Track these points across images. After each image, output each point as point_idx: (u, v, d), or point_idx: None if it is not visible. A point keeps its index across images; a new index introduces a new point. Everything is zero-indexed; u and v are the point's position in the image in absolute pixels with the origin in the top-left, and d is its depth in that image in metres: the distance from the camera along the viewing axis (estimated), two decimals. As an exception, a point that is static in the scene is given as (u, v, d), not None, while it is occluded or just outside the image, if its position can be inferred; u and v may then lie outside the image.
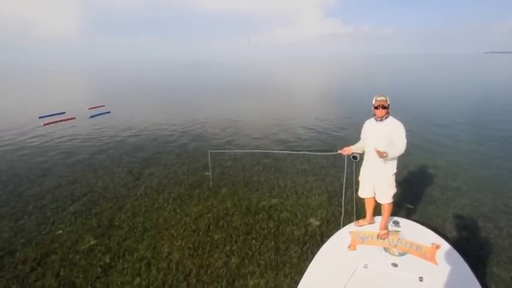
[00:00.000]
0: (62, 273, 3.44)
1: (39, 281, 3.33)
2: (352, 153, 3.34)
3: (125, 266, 3.54)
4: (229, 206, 4.92)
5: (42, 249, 3.87)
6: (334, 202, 4.97)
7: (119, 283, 3.29)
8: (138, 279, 3.34)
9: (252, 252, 3.76)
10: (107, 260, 3.64)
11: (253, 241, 3.97)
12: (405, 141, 3.02)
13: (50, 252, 3.82)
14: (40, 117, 11.98)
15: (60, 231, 4.36)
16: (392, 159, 3.09)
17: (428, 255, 2.78)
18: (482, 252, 3.68)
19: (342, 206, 3.86)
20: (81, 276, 3.40)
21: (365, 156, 3.34)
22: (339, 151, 3.48)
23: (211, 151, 6.20)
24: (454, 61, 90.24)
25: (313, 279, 2.60)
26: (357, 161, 3.35)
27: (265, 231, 4.20)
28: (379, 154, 3.00)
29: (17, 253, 3.80)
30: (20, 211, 4.85)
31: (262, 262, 3.57)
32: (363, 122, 3.40)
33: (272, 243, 3.92)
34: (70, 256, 3.73)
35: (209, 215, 4.64)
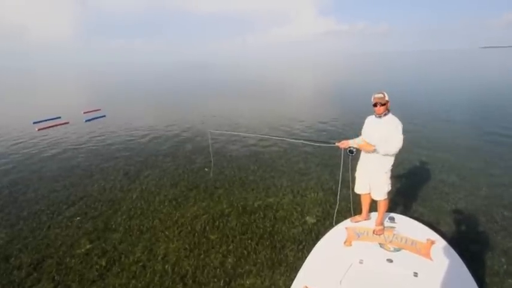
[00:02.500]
0: (57, 277, 3.43)
1: (35, 286, 3.32)
2: (349, 147, 3.35)
3: (121, 269, 3.54)
4: (225, 206, 4.92)
5: (38, 254, 3.86)
6: (330, 200, 4.97)
7: (115, 286, 3.29)
8: (133, 281, 3.34)
9: (248, 251, 3.76)
10: (103, 264, 3.63)
11: (249, 241, 3.98)
12: (400, 137, 2.99)
13: (46, 256, 3.80)
14: (34, 123, 11.91)
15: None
16: (385, 154, 3.08)
17: (423, 251, 2.80)
18: (477, 246, 3.70)
19: (337, 202, 3.87)
20: (77, 280, 3.39)
21: (362, 153, 3.35)
22: (336, 143, 3.47)
23: (211, 131, 6.44)
24: (450, 56, 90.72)
25: (309, 274, 2.62)
26: (353, 155, 3.33)
27: (261, 230, 4.21)
28: (365, 146, 3.00)
29: (12, 258, 3.79)
30: (15, 216, 4.83)
31: (258, 261, 3.58)
32: (362, 118, 3.40)
33: (268, 242, 3.93)
34: (66, 260, 3.72)
35: (205, 215, 4.65)
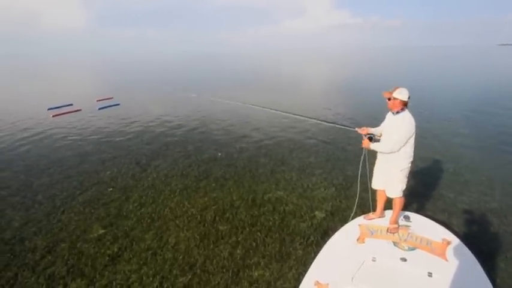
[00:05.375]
0: (70, 261, 3.52)
1: (49, 269, 3.40)
2: (369, 133, 3.29)
3: (132, 255, 3.60)
4: (234, 198, 4.93)
5: (52, 237, 3.95)
6: (340, 195, 4.93)
7: (126, 272, 3.34)
8: (145, 268, 3.39)
9: (257, 243, 3.77)
10: (115, 249, 3.70)
11: (258, 233, 3.98)
12: (396, 138, 2.96)
13: (59, 240, 3.89)
14: (49, 109, 12.13)
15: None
16: (380, 150, 3.14)
17: (439, 251, 2.73)
18: (493, 248, 3.61)
19: (357, 196, 3.74)
20: (89, 264, 3.46)
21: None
22: (357, 129, 3.42)
23: (213, 99, 6.33)
24: (466, 53, 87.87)
25: (320, 269, 2.60)
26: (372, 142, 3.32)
27: (270, 223, 4.20)
28: (365, 144, 3.17)
29: (27, 241, 3.89)
30: (30, 200, 4.95)
31: (267, 254, 3.58)
32: (380, 114, 3.42)
33: (277, 235, 3.93)
34: (79, 245, 3.81)
35: (215, 206, 4.67)
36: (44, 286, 3.17)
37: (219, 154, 6.71)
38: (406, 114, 3.02)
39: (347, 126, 3.76)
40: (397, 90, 3.01)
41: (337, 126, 4.11)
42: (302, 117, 4.69)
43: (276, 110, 5.32)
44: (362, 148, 3.35)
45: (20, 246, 3.81)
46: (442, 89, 17.68)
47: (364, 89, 18.11)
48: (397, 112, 3.05)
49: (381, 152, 3.20)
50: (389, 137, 3.07)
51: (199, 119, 10.64)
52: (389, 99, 3.05)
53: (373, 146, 3.15)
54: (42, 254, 3.65)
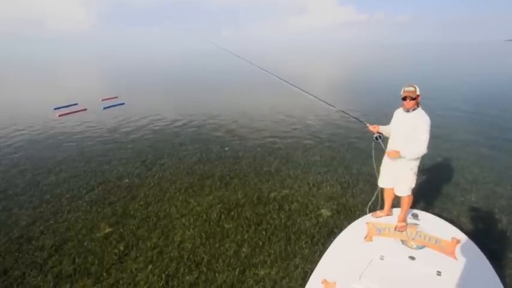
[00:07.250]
0: (77, 260, 3.54)
1: (56, 268, 3.43)
2: (378, 132, 3.23)
3: (139, 254, 3.61)
4: (240, 196, 4.92)
5: (59, 236, 3.98)
6: (346, 193, 4.89)
7: (133, 270, 3.35)
8: (151, 266, 3.40)
9: (263, 242, 3.76)
10: (121, 248, 3.71)
11: (264, 231, 3.97)
12: (424, 138, 2.82)
13: (66, 239, 3.92)
14: (55, 109, 12.22)
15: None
16: (410, 159, 2.95)
17: (448, 249, 2.69)
18: (503, 246, 3.56)
19: (374, 192, 3.67)
20: (96, 263, 3.48)
21: (388, 146, 3.23)
22: (367, 124, 3.36)
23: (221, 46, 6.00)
24: (473, 49, 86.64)
25: (328, 268, 2.58)
26: (378, 142, 3.24)
27: (276, 221, 4.19)
28: (392, 154, 2.93)
29: (34, 240, 3.92)
30: (38, 199, 4.99)
31: (272, 252, 3.57)
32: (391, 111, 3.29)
33: (283, 233, 3.91)
34: (85, 243, 3.83)
35: (220, 205, 4.66)
36: (51, 284, 3.20)
37: (226, 148, 6.92)
38: (423, 112, 2.93)
39: (359, 120, 3.70)
40: (417, 88, 2.92)
41: (349, 117, 3.97)
42: (316, 99, 4.44)
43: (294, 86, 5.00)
44: (372, 144, 3.28)
45: (28, 245, 3.84)
46: (449, 86, 17.45)
47: (370, 86, 17.96)
48: (413, 109, 2.95)
49: (411, 158, 2.99)
50: (414, 136, 2.87)
51: (204, 117, 10.63)
52: (414, 98, 2.89)
53: (403, 154, 2.91)
54: (49, 252, 3.67)
